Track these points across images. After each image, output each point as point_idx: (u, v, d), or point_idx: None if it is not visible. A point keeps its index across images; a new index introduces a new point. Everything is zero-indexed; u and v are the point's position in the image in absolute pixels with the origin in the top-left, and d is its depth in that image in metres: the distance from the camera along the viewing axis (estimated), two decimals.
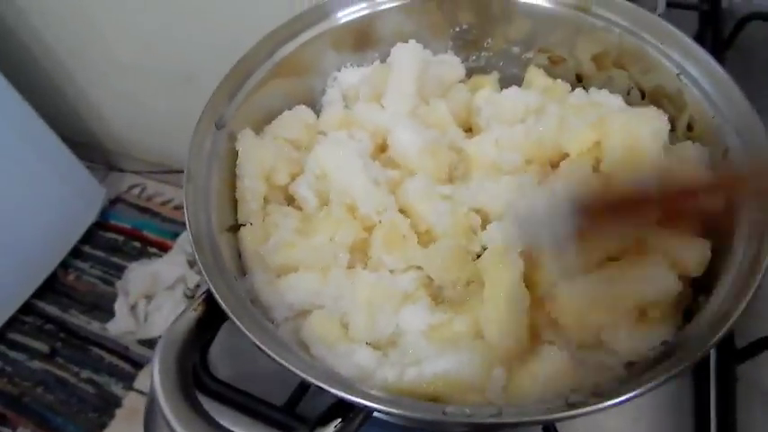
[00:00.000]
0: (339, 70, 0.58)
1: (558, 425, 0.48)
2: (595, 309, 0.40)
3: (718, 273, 0.39)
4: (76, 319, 1.50)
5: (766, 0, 0.77)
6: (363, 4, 0.55)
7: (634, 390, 0.32)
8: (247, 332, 0.36)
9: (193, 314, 0.38)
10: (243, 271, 0.48)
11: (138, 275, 1.45)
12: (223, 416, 0.51)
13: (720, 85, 0.46)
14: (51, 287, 1.56)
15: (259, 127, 0.53)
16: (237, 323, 0.36)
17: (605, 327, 0.40)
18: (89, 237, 1.65)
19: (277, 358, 0.34)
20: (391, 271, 0.46)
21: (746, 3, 0.79)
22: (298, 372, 0.33)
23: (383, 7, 0.56)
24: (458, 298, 0.45)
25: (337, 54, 0.58)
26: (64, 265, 1.59)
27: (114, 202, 1.75)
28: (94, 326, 1.48)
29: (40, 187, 1.44)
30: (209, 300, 0.39)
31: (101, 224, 1.70)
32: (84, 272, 1.60)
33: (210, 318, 0.39)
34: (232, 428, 0.34)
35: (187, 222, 0.41)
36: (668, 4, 0.64)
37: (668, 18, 0.51)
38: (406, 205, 0.47)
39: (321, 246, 0.45)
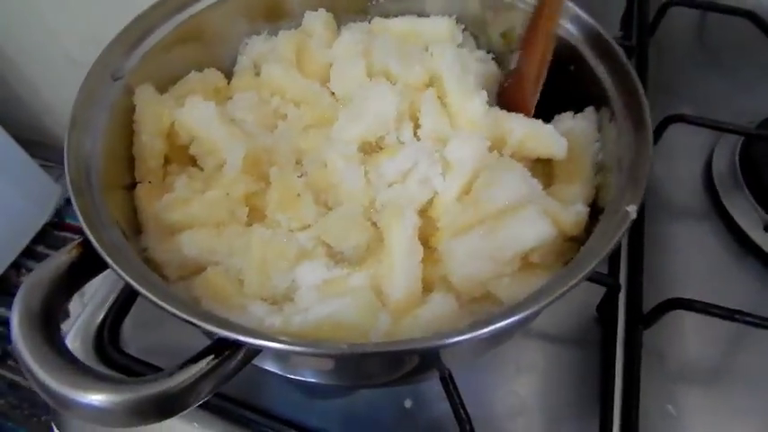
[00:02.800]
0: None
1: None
2: (480, 262, 0.40)
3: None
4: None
5: None
6: None
7: (504, 319, 0.33)
8: (117, 268, 0.34)
9: (65, 257, 0.36)
10: (138, 230, 0.47)
11: None
12: None
13: (608, 53, 0.48)
14: (2, 289, 1.49)
15: (164, 88, 0.52)
16: (108, 261, 0.35)
17: (491, 279, 0.41)
18: (43, 237, 1.59)
19: (138, 287, 0.33)
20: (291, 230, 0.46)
21: None
22: (160, 303, 0.32)
23: None
24: (356, 258, 0.45)
25: (249, 23, 0.58)
26: (16, 266, 1.53)
27: (70, 201, 1.67)
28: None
29: None
30: (86, 244, 0.37)
31: (55, 224, 1.64)
32: None
33: (85, 263, 0.37)
34: None
35: (66, 167, 0.39)
36: None
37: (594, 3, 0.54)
38: (326, 160, 0.47)
39: (216, 201, 0.44)
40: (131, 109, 0.48)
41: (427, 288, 0.43)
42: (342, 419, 0.54)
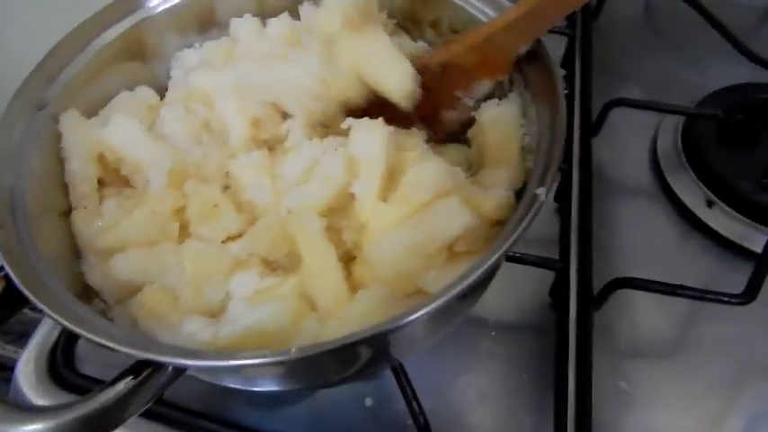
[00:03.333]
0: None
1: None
2: (407, 258, 0.40)
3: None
4: (2, 349, 1.43)
5: None
6: None
7: (427, 306, 0.33)
8: (37, 302, 0.35)
9: None
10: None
11: None
12: None
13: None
14: None
15: (95, 111, 0.52)
16: (27, 293, 0.35)
17: (419, 273, 0.41)
18: None
19: (55, 316, 0.33)
20: (223, 241, 0.46)
21: None
22: (69, 326, 0.33)
23: None
24: (291, 265, 0.45)
25: (180, 37, 0.58)
26: None
27: None
28: (9, 351, 1.41)
29: None
30: (8, 279, 0.37)
31: None
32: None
33: (8, 297, 0.37)
34: None
35: None
36: None
37: None
38: (233, 175, 0.47)
39: (143, 219, 0.44)
40: (59, 137, 0.48)
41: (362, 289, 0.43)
42: (305, 423, 0.54)
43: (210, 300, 0.43)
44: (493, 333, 0.57)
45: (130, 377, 0.33)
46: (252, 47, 0.55)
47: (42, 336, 0.58)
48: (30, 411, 0.32)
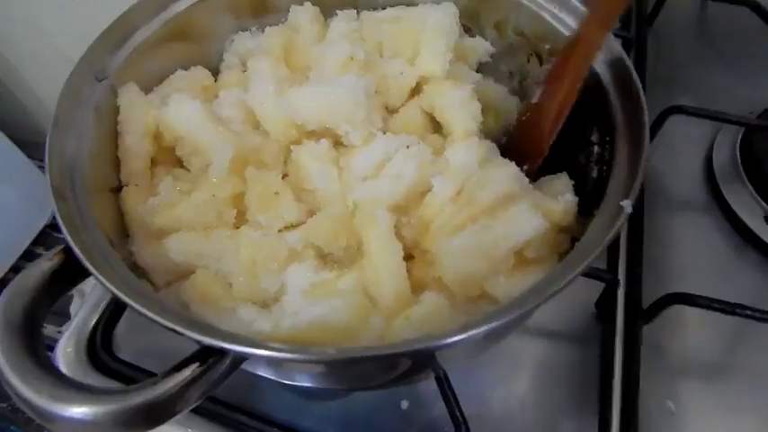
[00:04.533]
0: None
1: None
2: (474, 260, 0.39)
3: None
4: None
5: None
6: None
7: (497, 319, 0.32)
8: (99, 275, 0.33)
9: (48, 264, 0.36)
10: (126, 234, 0.46)
11: None
12: None
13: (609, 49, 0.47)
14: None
15: (150, 88, 0.51)
16: (90, 268, 0.34)
17: (486, 277, 0.40)
18: (43, 238, 1.58)
19: (121, 296, 0.32)
20: (280, 230, 0.45)
21: None
22: (142, 310, 0.31)
23: None
24: (347, 259, 0.44)
25: (235, 19, 0.56)
26: (16, 269, 1.52)
27: None
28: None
29: None
30: (68, 251, 0.36)
31: (55, 226, 1.62)
32: None
33: (67, 270, 0.36)
34: None
35: (47, 170, 0.38)
36: None
37: None
38: (297, 162, 0.46)
39: (202, 203, 0.43)
40: (117, 110, 0.47)
41: (421, 289, 0.42)
42: (338, 422, 0.53)
43: (265, 289, 0.42)
44: (535, 341, 0.56)
45: (197, 364, 0.32)
46: (309, 37, 0.54)
47: (82, 318, 0.57)
48: (89, 392, 0.31)
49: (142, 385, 0.32)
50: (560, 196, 0.43)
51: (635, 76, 0.43)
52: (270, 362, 0.40)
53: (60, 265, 0.36)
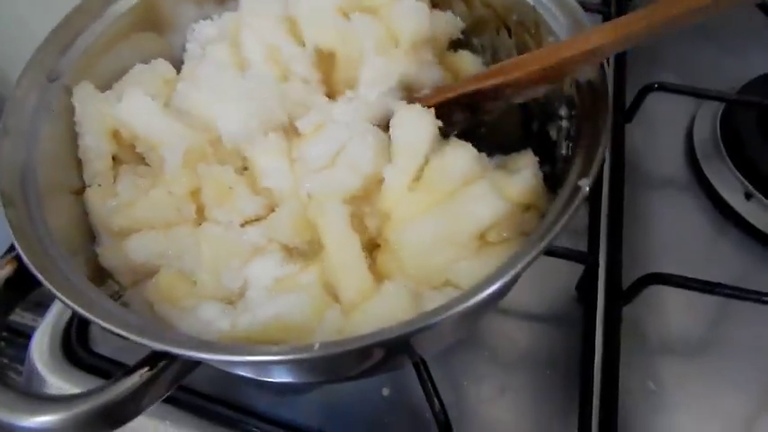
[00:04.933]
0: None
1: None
2: (434, 248, 0.38)
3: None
4: (20, 317, 1.44)
5: None
6: None
7: (460, 305, 0.31)
8: (48, 284, 0.33)
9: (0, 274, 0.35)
10: (92, 235, 0.46)
11: None
12: None
13: (570, 13, 0.45)
14: None
15: (109, 85, 0.50)
16: (38, 275, 0.34)
17: (449, 264, 0.39)
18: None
19: (67, 301, 0.32)
20: (242, 225, 0.44)
21: None
22: (83, 312, 0.31)
23: None
24: (311, 251, 0.44)
25: (197, 7, 0.55)
26: None
27: None
28: (27, 318, 1.42)
29: None
30: (20, 259, 0.36)
31: None
32: None
33: (21, 278, 0.36)
34: None
35: None
36: None
37: None
38: (249, 160, 0.45)
39: (160, 200, 0.42)
40: (73, 110, 0.46)
41: (389, 278, 0.41)
42: (321, 412, 0.53)
43: (228, 286, 0.41)
44: (515, 325, 0.55)
45: (146, 368, 0.32)
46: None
47: (57, 312, 0.57)
48: (42, 401, 0.31)
49: (94, 390, 0.32)
50: (517, 174, 0.41)
51: None
52: (224, 364, 0.40)
53: (12, 273, 0.36)
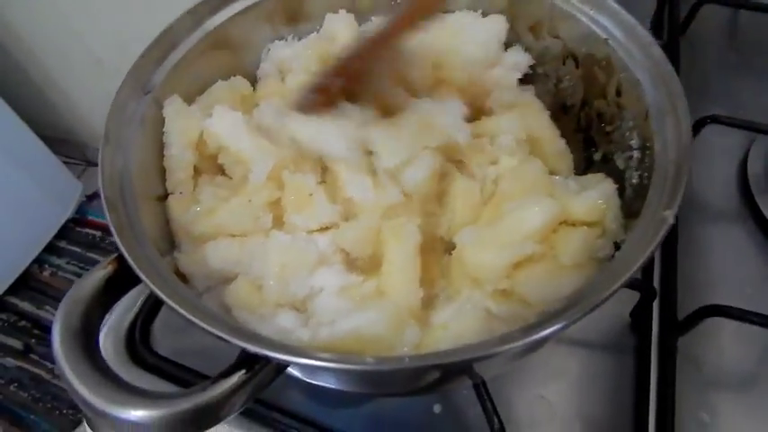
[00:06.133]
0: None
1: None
2: (491, 247, 0.40)
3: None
4: (51, 315, 1.47)
5: None
6: None
7: (534, 334, 0.32)
8: (151, 284, 0.35)
9: (102, 273, 0.38)
10: (171, 241, 0.48)
11: None
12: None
13: (645, 49, 0.47)
14: (26, 284, 1.54)
15: (192, 98, 0.53)
16: (142, 276, 0.35)
17: (509, 266, 0.40)
18: (65, 233, 1.63)
19: (171, 303, 0.33)
20: (310, 232, 0.46)
21: None
22: (193, 319, 0.33)
23: None
24: (369, 264, 0.45)
25: (272, 27, 0.58)
26: (39, 262, 1.57)
27: (92, 197, 1.72)
28: (49, 311, 1.45)
29: (14, 183, 1.43)
30: (120, 260, 0.38)
31: (77, 220, 1.68)
32: (59, 268, 1.58)
33: (120, 278, 0.38)
34: None
35: (100, 183, 0.40)
36: None
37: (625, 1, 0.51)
38: (333, 172, 0.47)
39: (239, 208, 0.45)
40: (161, 121, 0.49)
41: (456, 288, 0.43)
42: (369, 423, 0.54)
43: (295, 293, 0.43)
44: (568, 349, 0.56)
45: (243, 371, 0.33)
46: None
47: (121, 312, 0.59)
48: (144, 396, 0.33)
49: (192, 390, 0.33)
50: (585, 191, 0.42)
51: (677, 80, 0.43)
52: (309, 368, 0.41)
53: (113, 273, 0.38)
